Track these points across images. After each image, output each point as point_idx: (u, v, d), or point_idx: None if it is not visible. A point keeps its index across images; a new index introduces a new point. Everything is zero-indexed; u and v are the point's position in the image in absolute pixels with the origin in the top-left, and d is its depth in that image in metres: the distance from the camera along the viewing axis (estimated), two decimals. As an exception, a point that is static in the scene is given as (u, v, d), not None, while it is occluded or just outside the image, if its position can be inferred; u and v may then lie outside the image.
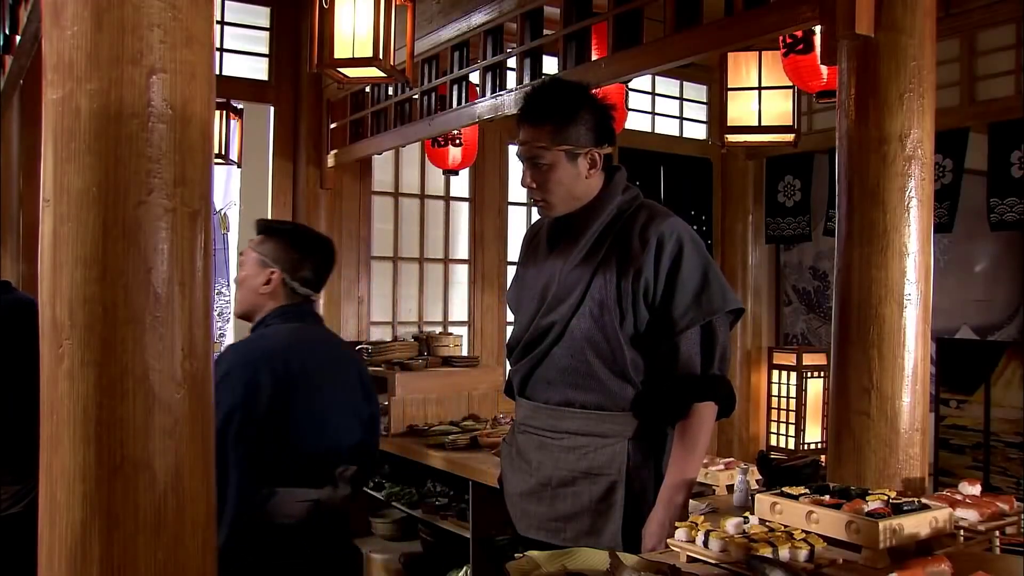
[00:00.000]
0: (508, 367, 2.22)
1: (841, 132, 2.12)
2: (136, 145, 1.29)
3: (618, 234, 1.95)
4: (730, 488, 2.80)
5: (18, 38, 3.80)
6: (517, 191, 5.32)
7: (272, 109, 4.64)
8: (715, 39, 2.57)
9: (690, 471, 1.92)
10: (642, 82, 5.60)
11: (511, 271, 2.58)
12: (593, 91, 2.02)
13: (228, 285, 4.71)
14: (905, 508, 1.51)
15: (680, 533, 1.54)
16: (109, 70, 1.28)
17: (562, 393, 1.96)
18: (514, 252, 5.20)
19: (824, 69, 3.12)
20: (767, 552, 1.40)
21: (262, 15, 4.60)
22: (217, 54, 4.32)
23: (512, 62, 3.30)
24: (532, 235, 2.19)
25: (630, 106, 3.99)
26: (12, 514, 2.43)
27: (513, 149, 5.18)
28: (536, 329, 1.97)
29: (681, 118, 5.88)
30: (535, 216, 5.35)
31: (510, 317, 2.31)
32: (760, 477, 2.80)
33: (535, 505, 1.98)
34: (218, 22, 4.39)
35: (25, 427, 2.16)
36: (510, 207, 5.28)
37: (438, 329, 5.02)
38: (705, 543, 1.48)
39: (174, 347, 1.32)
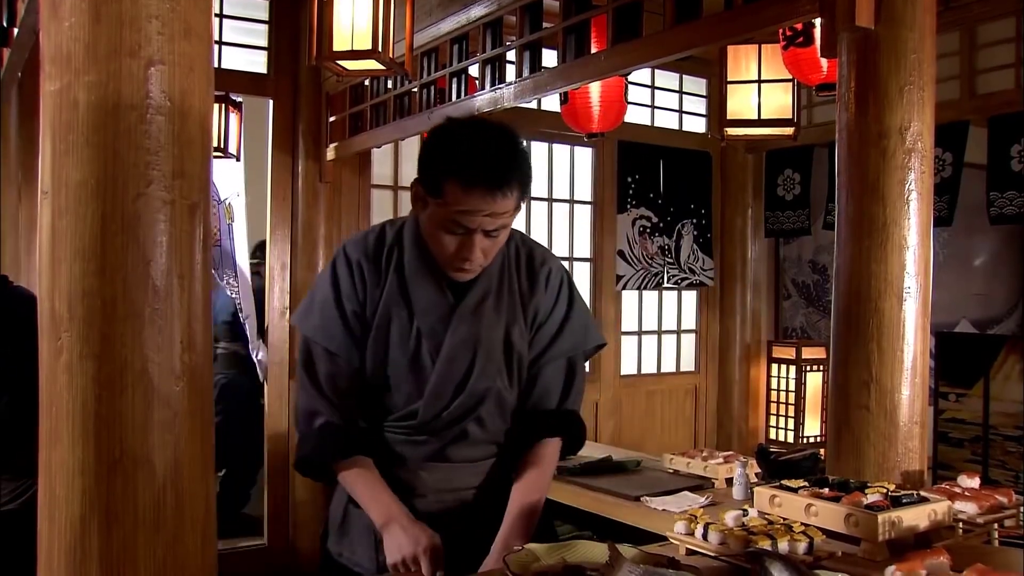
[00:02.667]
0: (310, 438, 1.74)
1: (841, 125, 2.12)
2: (134, 137, 1.29)
3: (510, 273, 1.79)
4: (729, 481, 2.81)
5: (16, 31, 3.79)
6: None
7: (271, 102, 4.62)
8: (715, 32, 2.56)
9: (539, 498, 1.78)
10: (641, 75, 5.59)
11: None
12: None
13: (236, 276, 4.68)
14: (904, 501, 1.51)
15: (679, 526, 1.54)
16: (107, 62, 1.28)
17: (484, 449, 1.79)
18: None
19: (824, 62, 3.11)
20: (766, 545, 1.40)
21: (261, 8, 4.58)
22: (216, 47, 4.30)
23: (511, 55, 3.30)
24: (380, 262, 1.75)
25: (629, 100, 3.98)
26: (9, 511, 2.42)
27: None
28: (470, 397, 1.72)
29: (681, 112, 5.87)
30: (533, 213, 5.37)
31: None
32: (759, 470, 2.81)
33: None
34: (216, 15, 4.37)
35: (23, 423, 2.16)
36: (509, 201, 5.26)
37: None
38: (704, 536, 1.48)
39: (173, 340, 1.32)
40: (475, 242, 1.63)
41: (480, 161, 1.59)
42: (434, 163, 1.64)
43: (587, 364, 1.93)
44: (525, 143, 1.69)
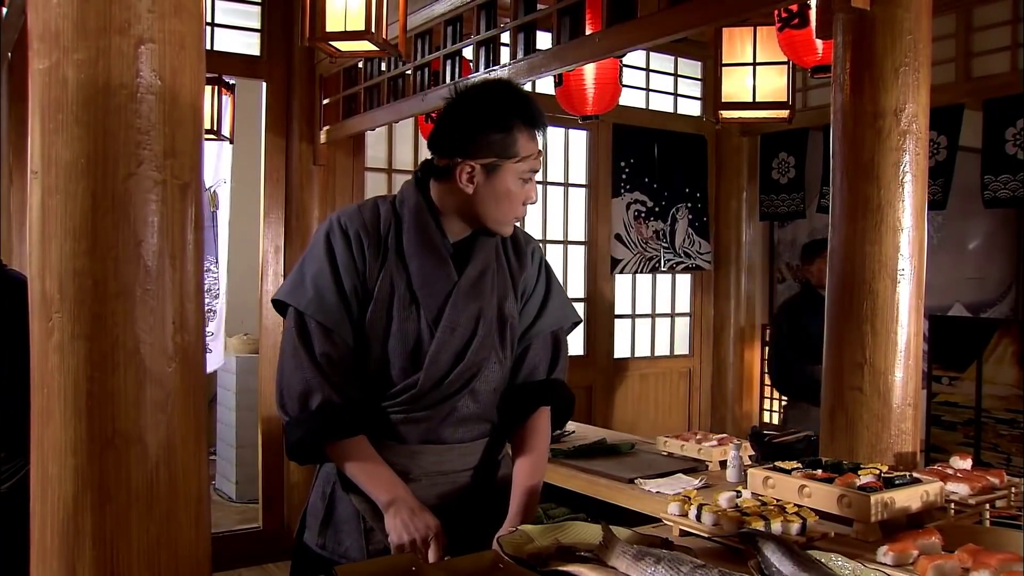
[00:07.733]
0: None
1: (836, 106, 2.11)
2: (125, 116, 1.28)
3: (500, 250, 1.82)
4: (723, 464, 2.81)
5: (4, 10, 3.75)
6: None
7: (264, 85, 4.60)
8: (710, 13, 2.55)
9: (541, 478, 1.80)
10: (636, 58, 5.57)
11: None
12: None
13: (217, 263, 4.69)
14: (897, 482, 1.51)
15: (673, 507, 1.55)
16: (96, 39, 1.26)
17: (477, 428, 1.79)
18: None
19: (819, 44, 3.10)
20: (759, 525, 1.41)
21: (254, -11, 4.56)
22: (209, 29, 4.27)
23: (506, 37, 3.28)
24: (379, 235, 1.72)
25: (624, 83, 3.96)
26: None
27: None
28: (469, 367, 1.72)
29: (675, 95, 5.86)
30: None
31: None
32: (753, 453, 2.82)
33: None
34: (209, -4, 4.34)
35: (14, 404, 2.15)
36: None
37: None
38: (698, 517, 1.49)
39: (165, 320, 1.31)
40: (533, 188, 1.74)
41: (528, 106, 1.69)
42: (495, 126, 1.67)
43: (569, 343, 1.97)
44: None
